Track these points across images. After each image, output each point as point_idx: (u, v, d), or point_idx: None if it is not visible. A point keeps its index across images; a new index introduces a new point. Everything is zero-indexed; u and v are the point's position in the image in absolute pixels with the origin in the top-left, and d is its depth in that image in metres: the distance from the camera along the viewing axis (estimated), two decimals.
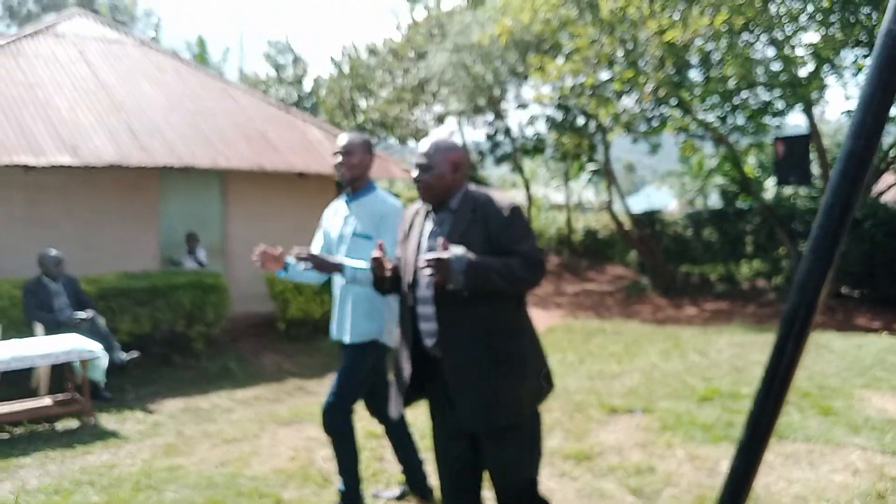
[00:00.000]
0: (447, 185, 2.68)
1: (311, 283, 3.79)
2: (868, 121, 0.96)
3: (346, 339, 3.50)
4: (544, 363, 2.70)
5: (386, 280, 2.78)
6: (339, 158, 3.48)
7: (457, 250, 2.42)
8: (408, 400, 2.78)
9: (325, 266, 3.25)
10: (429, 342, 2.66)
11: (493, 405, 2.55)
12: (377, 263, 2.72)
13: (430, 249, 2.65)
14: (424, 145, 2.73)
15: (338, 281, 3.53)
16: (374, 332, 3.48)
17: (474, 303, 2.52)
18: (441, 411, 2.74)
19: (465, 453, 2.71)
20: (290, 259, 3.51)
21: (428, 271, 2.43)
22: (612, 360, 7.22)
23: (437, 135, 2.86)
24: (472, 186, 2.75)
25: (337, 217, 3.64)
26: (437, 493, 3.66)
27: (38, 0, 34.13)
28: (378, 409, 3.73)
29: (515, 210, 2.60)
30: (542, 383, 2.67)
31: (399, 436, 3.84)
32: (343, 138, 3.56)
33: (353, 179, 3.52)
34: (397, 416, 2.87)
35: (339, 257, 3.41)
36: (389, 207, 3.47)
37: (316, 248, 3.66)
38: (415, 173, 2.72)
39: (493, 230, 2.55)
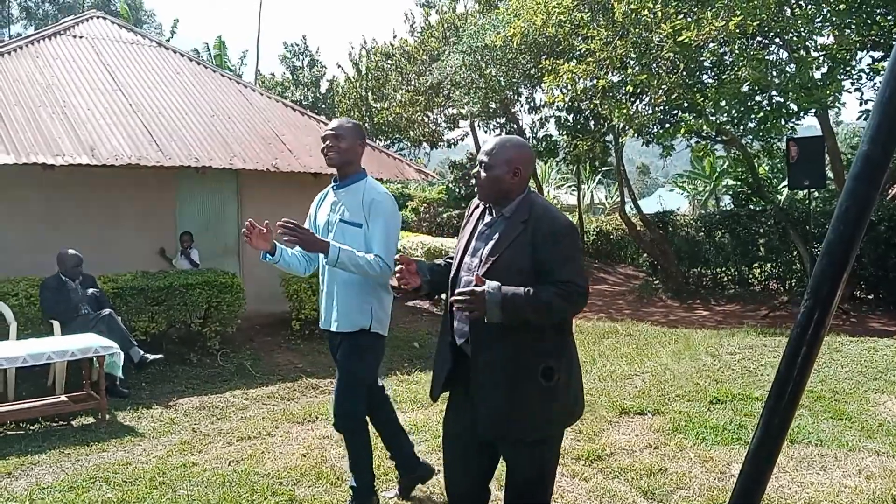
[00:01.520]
0: (505, 187, 2.58)
1: (296, 273, 3.72)
2: (884, 124, 0.96)
3: (335, 328, 3.45)
4: (578, 385, 2.64)
5: (424, 285, 2.76)
6: (328, 142, 3.44)
7: (492, 285, 2.37)
8: (443, 389, 2.78)
9: (309, 242, 3.17)
10: (459, 340, 2.65)
11: (515, 416, 2.50)
12: (403, 274, 2.71)
13: (476, 250, 2.61)
14: (490, 143, 2.64)
15: (325, 269, 3.48)
16: (363, 321, 3.40)
17: None
18: (461, 406, 2.72)
19: (477, 448, 2.70)
20: (281, 245, 3.49)
21: (462, 305, 2.40)
22: (624, 362, 7.21)
23: (505, 135, 2.81)
24: (535, 194, 2.67)
25: (324, 205, 3.60)
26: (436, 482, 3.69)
27: (55, 1, 34.48)
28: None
29: (567, 230, 2.52)
30: (574, 407, 2.63)
31: (389, 426, 3.81)
32: (334, 122, 3.53)
33: (341, 164, 3.46)
34: (435, 401, 2.88)
35: (328, 239, 3.36)
36: (379, 195, 3.42)
37: None
38: (475, 170, 2.65)
39: (539, 245, 2.47)
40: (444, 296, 2.87)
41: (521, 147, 2.64)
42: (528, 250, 2.47)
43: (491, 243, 2.56)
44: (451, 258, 2.84)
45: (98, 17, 11.84)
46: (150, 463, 4.55)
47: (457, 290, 2.47)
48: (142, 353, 6.60)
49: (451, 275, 2.70)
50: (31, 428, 5.48)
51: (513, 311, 2.36)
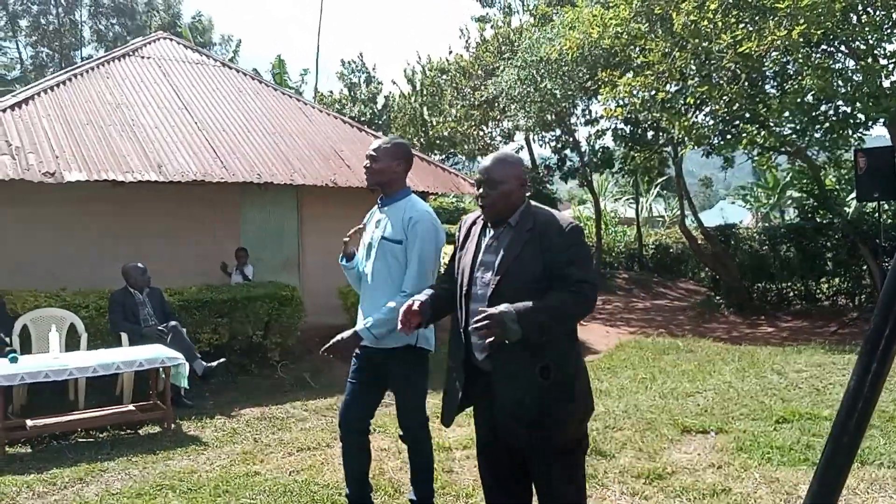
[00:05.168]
0: (514, 201, 2.65)
1: (356, 285, 3.77)
2: None
3: (387, 344, 3.38)
4: (588, 383, 2.70)
5: (422, 323, 2.80)
6: (366, 162, 3.49)
7: (503, 307, 2.41)
8: (459, 410, 2.80)
9: (343, 350, 3.41)
10: (479, 355, 2.65)
11: (542, 424, 2.53)
12: (407, 315, 2.72)
13: (487, 264, 2.65)
14: (489, 161, 2.69)
15: (367, 284, 3.50)
16: (410, 336, 3.30)
17: None
18: (486, 422, 2.74)
19: (509, 460, 2.71)
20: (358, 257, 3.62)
21: (482, 332, 2.43)
22: (685, 379, 7.07)
23: (501, 151, 2.84)
24: (533, 203, 2.73)
25: (371, 222, 3.66)
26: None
27: (124, 24, 35.89)
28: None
29: (573, 230, 2.58)
30: (587, 403, 2.67)
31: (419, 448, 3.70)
32: (374, 143, 3.57)
33: (376, 184, 3.50)
34: (448, 426, 2.87)
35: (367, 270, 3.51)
36: (419, 213, 3.43)
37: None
38: (479, 190, 2.68)
39: (548, 249, 2.54)
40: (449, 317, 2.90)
41: (519, 160, 2.78)
42: (539, 256, 2.54)
43: (501, 253, 2.61)
44: (445, 283, 2.90)
45: (164, 39, 12.30)
46: (213, 471, 4.66)
47: (472, 320, 2.49)
48: (205, 364, 6.78)
49: (463, 292, 2.70)
50: (101, 436, 5.67)
51: (529, 322, 2.40)
